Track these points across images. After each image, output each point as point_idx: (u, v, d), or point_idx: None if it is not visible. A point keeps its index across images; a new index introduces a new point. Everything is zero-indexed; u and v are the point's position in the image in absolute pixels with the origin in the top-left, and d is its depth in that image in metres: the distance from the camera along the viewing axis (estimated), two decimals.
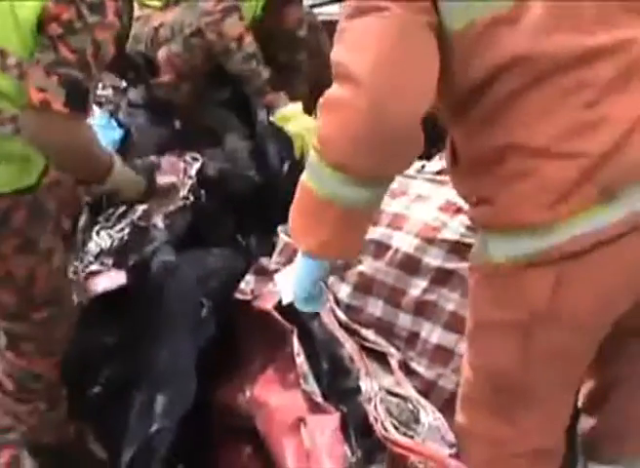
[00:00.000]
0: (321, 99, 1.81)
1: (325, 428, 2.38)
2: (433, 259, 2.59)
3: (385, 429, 2.27)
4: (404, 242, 2.65)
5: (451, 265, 2.56)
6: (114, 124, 3.50)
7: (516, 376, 2.01)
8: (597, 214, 1.80)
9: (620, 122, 1.78)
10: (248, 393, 2.69)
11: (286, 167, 3.29)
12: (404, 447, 2.24)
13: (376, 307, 2.67)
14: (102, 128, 3.47)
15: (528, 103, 1.82)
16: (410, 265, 2.62)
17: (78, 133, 2.42)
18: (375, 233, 2.68)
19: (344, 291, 2.71)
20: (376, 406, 2.36)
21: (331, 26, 3.76)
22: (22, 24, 2.26)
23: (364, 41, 1.75)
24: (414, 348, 2.59)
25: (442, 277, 2.57)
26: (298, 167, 3.19)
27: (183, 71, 3.44)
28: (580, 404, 2.38)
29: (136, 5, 3.44)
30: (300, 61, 3.60)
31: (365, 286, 2.68)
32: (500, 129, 1.84)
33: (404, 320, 2.62)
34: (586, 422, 2.38)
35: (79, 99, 2.30)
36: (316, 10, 4.08)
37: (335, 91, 1.77)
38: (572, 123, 1.80)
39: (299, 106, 3.33)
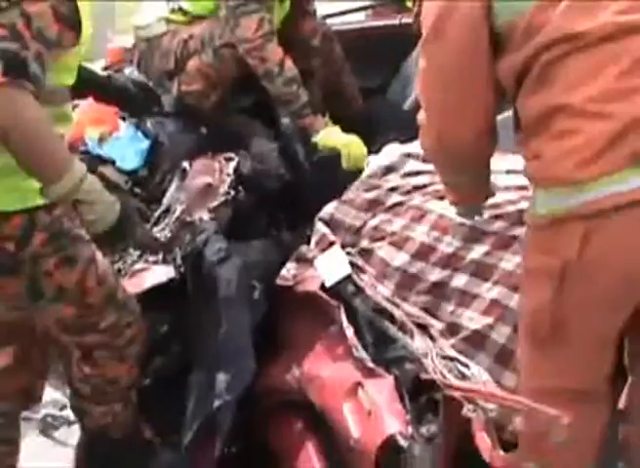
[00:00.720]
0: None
1: (382, 389, 2.56)
2: (495, 227, 2.80)
3: (444, 376, 2.46)
4: None
5: (512, 232, 2.76)
6: (140, 135, 3.66)
7: (551, 316, 2.20)
8: (628, 176, 2.02)
9: None
10: (297, 372, 2.86)
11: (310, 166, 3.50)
12: (464, 389, 2.44)
13: (432, 273, 2.83)
14: (130, 140, 3.65)
15: (569, 70, 2.08)
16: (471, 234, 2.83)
17: (25, 103, 2.27)
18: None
19: (402, 258, 2.88)
20: (432, 358, 2.55)
21: (343, 36, 4.03)
22: None
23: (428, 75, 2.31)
24: (467, 306, 2.78)
25: (503, 242, 2.77)
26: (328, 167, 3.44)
27: (213, 80, 3.60)
28: (621, 407, 2.55)
29: (162, 21, 3.66)
30: (314, 68, 3.77)
31: (423, 253, 2.86)
32: (547, 93, 2.10)
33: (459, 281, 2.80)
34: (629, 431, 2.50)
35: (17, 68, 2.23)
36: (329, 20, 4.27)
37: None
38: (607, 88, 2.04)
39: (337, 128, 3.53)
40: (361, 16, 4.92)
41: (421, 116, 2.34)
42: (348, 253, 2.96)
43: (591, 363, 2.31)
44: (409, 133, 3.35)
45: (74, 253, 2.65)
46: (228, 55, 3.55)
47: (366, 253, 2.95)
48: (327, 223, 3.10)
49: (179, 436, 2.92)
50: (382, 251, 2.91)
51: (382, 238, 2.95)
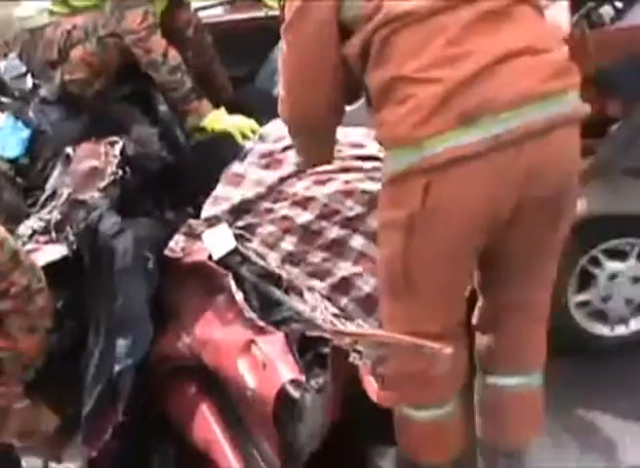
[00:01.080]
0: None
1: (274, 344, 2.77)
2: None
3: (335, 325, 2.71)
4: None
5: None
6: (21, 124, 3.75)
7: (402, 265, 2.50)
8: (460, 134, 2.30)
9: (481, 57, 2.31)
10: (187, 339, 3.04)
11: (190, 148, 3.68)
12: (354, 333, 2.72)
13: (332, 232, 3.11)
14: (10, 129, 3.75)
15: (401, 44, 2.39)
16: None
17: None
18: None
19: (290, 241, 3.13)
20: (322, 311, 2.79)
21: (212, 27, 4.21)
22: None
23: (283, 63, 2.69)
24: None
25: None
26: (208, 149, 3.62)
27: (97, 69, 3.71)
28: (474, 322, 2.89)
29: (44, 13, 3.77)
30: (187, 58, 3.88)
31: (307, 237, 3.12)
32: (385, 67, 2.42)
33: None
34: (481, 340, 2.87)
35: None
36: (201, 13, 4.44)
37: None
38: (436, 56, 2.34)
39: (222, 110, 3.70)
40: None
41: (281, 91, 2.68)
42: (236, 226, 3.18)
43: (442, 310, 2.62)
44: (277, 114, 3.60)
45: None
46: (112, 44, 3.67)
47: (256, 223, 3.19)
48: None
49: (74, 409, 3.06)
50: (286, 209, 3.15)
51: (285, 199, 3.18)
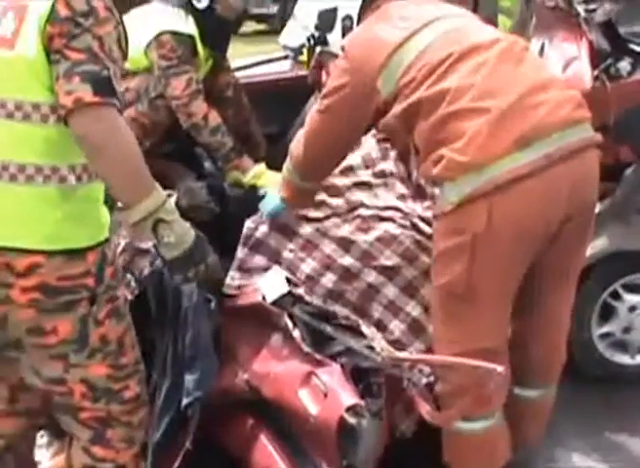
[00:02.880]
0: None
1: (332, 374, 3.02)
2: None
3: (392, 352, 2.96)
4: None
5: None
6: None
7: (465, 287, 2.79)
8: (516, 156, 2.65)
9: (516, 88, 2.71)
10: (244, 375, 3.28)
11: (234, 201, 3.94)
12: (412, 359, 3.02)
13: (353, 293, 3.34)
14: None
15: (447, 85, 2.75)
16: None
17: (116, 120, 2.39)
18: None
19: (330, 279, 3.36)
20: (379, 341, 3.04)
21: (249, 86, 4.48)
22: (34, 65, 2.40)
23: (309, 132, 3.20)
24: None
25: None
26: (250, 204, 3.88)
27: (148, 128, 3.99)
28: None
29: None
30: (227, 117, 4.16)
31: (347, 276, 3.36)
32: (436, 109, 2.76)
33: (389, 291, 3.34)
34: (511, 357, 3.10)
35: (105, 87, 2.34)
36: (238, 73, 4.69)
37: (301, 134, 3.23)
38: (480, 90, 2.72)
39: (262, 166, 3.96)
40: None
41: (302, 142, 3.16)
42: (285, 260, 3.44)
43: (500, 320, 2.92)
44: None
45: (123, 306, 2.74)
46: (162, 105, 3.95)
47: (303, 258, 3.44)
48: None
49: None
50: (329, 248, 3.41)
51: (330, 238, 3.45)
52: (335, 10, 3.16)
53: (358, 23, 3.14)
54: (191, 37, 3.94)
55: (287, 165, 3.28)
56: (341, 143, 3.12)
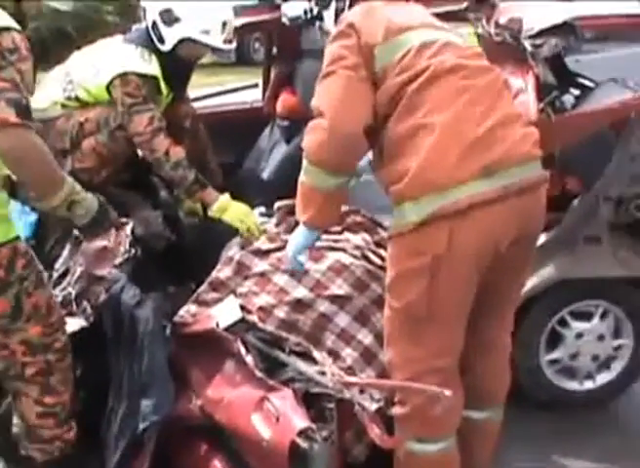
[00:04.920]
0: (307, 127, 2.93)
1: (285, 398, 3.09)
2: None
3: (342, 377, 3.03)
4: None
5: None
6: (27, 209, 4.01)
7: (426, 307, 2.87)
8: (479, 184, 2.78)
9: (490, 118, 2.83)
10: (198, 400, 3.33)
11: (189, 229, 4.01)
12: (362, 383, 3.11)
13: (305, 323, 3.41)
14: (18, 213, 4.01)
15: (429, 96, 2.85)
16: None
17: (33, 138, 2.82)
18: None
19: (282, 309, 3.42)
20: (330, 366, 3.11)
21: (206, 117, 4.55)
22: None
23: (327, 91, 2.90)
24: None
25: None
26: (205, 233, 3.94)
27: (106, 158, 4.04)
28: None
29: (57, 105, 4.10)
30: (185, 147, 4.14)
31: (299, 307, 3.43)
32: (412, 114, 2.85)
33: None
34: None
35: (25, 112, 2.78)
36: (195, 104, 4.77)
37: (313, 121, 2.91)
38: (460, 112, 2.83)
39: (226, 196, 3.97)
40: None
41: (313, 122, 2.95)
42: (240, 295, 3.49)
43: (457, 339, 3.00)
44: (268, 200, 3.95)
45: (43, 275, 3.14)
46: (122, 136, 4.00)
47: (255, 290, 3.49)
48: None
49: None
50: (282, 280, 3.47)
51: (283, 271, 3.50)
52: None
53: (350, 6, 3.22)
54: (155, 78, 4.01)
55: (304, 171, 3.01)
56: (360, 101, 2.92)
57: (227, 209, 3.91)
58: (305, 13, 3.54)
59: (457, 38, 3.07)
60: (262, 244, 3.66)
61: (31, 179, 2.94)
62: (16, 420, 3.30)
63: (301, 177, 3.01)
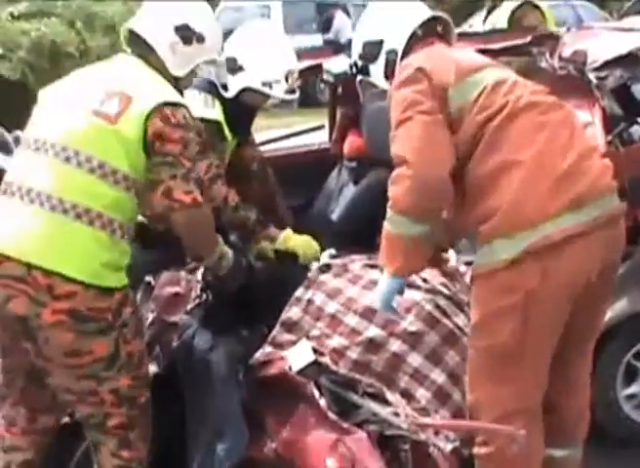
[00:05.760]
0: (390, 179, 2.93)
1: (359, 442, 3.08)
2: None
3: (416, 418, 3.00)
4: None
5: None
6: None
7: (515, 348, 2.86)
8: (570, 217, 2.79)
9: (571, 152, 2.85)
10: (272, 443, 3.31)
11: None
12: (438, 424, 3.06)
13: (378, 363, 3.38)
14: None
15: (513, 132, 2.88)
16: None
17: (209, 214, 3.22)
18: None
19: (355, 351, 3.40)
20: (404, 407, 3.09)
21: (273, 160, 4.59)
22: (129, 144, 2.99)
23: (407, 138, 2.90)
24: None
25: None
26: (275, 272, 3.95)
27: None
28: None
29: None
30: (252, 190, 4.28)
31: (372, 347, 3.40)
32: (497, 151, 2.87)
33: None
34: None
35: (202, 193, 3.12)
36: (263, 147, 4.81)
37: (395, 171, 2.90)
38: (543, 147, 2.85)
39: (288, 230, 4.02)
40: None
41: (397, 172, 2.90)
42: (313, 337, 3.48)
43: (544, 376, 2.97)
44: (339, 241, 3.96)
45: (142, 327, 3.28)
46: None
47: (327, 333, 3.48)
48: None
49: None
50: (353, 321, 3.46)
51: (354, 310, 3.50)
52: (381, 42, 3.25)
53: (403, 58, 3.20)
54: (218, 122, 4.04)
55: (390, 221, 2.96)
56: (442, 145, 2.91)
57: (291, 239, 3.97)
58: (351, 67, 3.54)
59: (519, 77, 3.09)
60: (331, 279, 3.66)
61: (201, 246, 3.30)
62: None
63: (387, 227, 2.99)
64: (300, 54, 4.42)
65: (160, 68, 3.24)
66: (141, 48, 3.27)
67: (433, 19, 3.29)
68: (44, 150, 3.04)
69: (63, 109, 3.11)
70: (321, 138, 5.45)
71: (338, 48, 3.80)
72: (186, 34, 3.29)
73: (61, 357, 2.98)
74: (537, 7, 5.93)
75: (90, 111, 3.03)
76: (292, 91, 4.07)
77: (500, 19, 5.93)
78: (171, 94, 3.14)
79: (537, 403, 2.99)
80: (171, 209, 3.06)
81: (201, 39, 3.34)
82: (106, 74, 3.22)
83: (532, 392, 2.96)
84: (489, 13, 6.57)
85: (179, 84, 3.29)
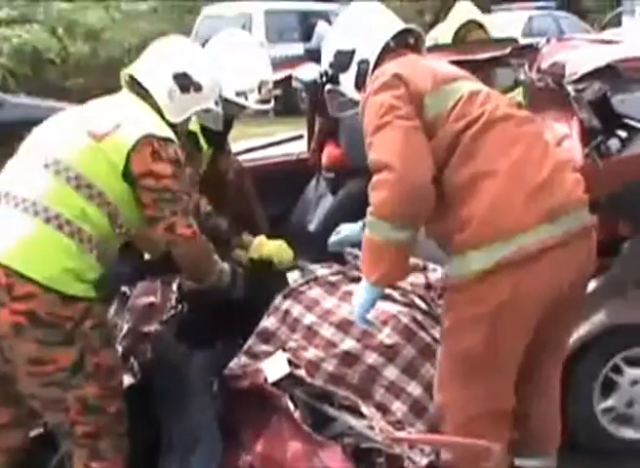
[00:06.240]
0: (370, 184, 2.86)
1: (333, 456, 3.08)
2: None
3: (392, 433, 2.99)
4: None
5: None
6: None
7: (485, 355, 2.86)
8: (544, 229, 2.78)
9: (547, 164, 2.85)
10: (247, 456, 3.29)
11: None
12: (412, 439, 3.04)
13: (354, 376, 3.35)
14: None
15: (489, 142, 2.87)
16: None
17: (207, 244, 3.33)
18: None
19: (331, 363, 3.37)
20: (378, 421, 3.07)
21: (251, 169, 4.57)
22: (110, 165, 3.04)
23: (387, 143, 2.85)
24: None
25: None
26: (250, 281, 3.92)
27: None
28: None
29: None
30: (227, 199, 4.24)
31: (348, 360, 3.37)
32: (473, 160, 2.85)
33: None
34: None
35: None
36: (241, 156, 4.81)
37: (376, 177, 2.84)
38: (520, 158, 2.85)
39: (262, 237, 4.01)
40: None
41: (379, 177, 2.83)
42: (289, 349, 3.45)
43: (510, 383, 2.97)
44: (316, 251, 3.93)
45: (111, 338, 3.23)
46: None
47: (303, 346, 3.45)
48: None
49: None
50: (329, 332, 3.44)
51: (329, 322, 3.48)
52: (353, 52, 3.23)
53: (374, 69, 3.17)
54: (193, 133, 3.99)
55: (372, 228, 2.88)
56: (423, 150, 2.86)
57: (265, 245, 3.95)
58: (321, 76, 3.51)
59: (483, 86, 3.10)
60: (309, 291, 3.64)
61: (202, 272, 3.40)
62: None
63: (369, 235, 2.90)
64: (280, 63, 4.41)
65: (157, 113, 3.28)
66: (140, 93, 3.31)
67: (406, 32, 3.27)
68: (28, 155, 3.14)
69: (61, 126, 3.21)
70: (301, 148, 5.42)
71: (319, 57, 3.77)
72: (184, 82, 3.35)
73: (25, 364, 2.98)
74: (481, 26, 5.87)
75: (84, 131, 3.10)
76: (266, 101, 4.05)
77: (442, 34, 5.84)
78: (163, 129, 3.18)
79: (503, 408, 2.97)
80: (174, 243, 3.19)
81: (198, 88, 3.40)
82: (109, 103, 3.31)
83: (499, 396, 2.95)
84: (430, 27, 6.53)
85: (175, 130, 3.29)
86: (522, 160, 2.83)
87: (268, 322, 3.58)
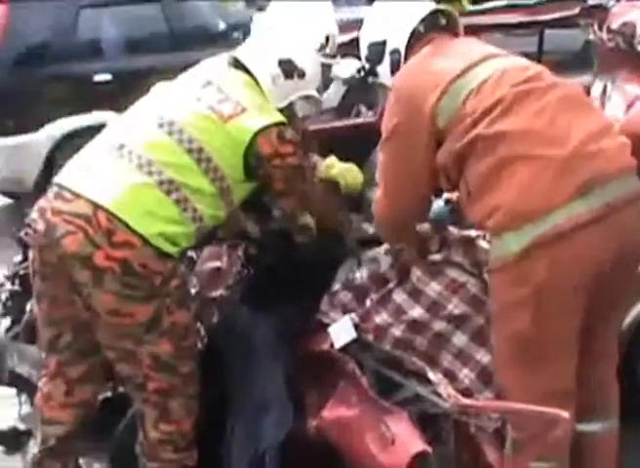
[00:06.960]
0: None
1: (399, 422, 3.07)
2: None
3: (458, 399, 2.97)
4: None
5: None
6: None
7: (536, 337, 2.82)
8: (578, 204, 2.71)
9: (576, 135, 2.77)
10: (314, 421, 3.30)
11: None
12: (479, 406, 3.04)
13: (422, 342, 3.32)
14: None
15: (506, 127, 2.82)
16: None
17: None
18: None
19: (399, 328, 3.34)
20: (445, 386, 3.05)
21: (316, 133, 4.52)
22: (232, 144, 3.21)
23: (385, 166, 3.19)
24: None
25: None
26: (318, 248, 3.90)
27: None
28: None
29: None
30: None
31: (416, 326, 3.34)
32: (494, 150, 2.81)
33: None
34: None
35: None
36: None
37: (377, 192, 3.24)
38: (542, 136, 2.79)
39: (332, 158, 3.98)
40: None
41: (378, 193, 3.11)
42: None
43: (570, 361, 2.93)
44: None
45: (188, 300, 3.33)
46: None
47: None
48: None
49: None
50: (400, 298, 3.40)
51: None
52: (384, 43, 3.21)
53: (406, 58, 3.19)
54: None
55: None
56: (415, 175, 3.04)
57: (334, 166, 3.92)
58: (359, 71, 3.49)
59: (513, 60, 3.07)
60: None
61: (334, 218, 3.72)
62: (140, 437, 3.32)
63: None
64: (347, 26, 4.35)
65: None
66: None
67: (435, 13, 3.24)
68: (146, 109, 3.34)
69: (183, 93, 3.36)
70: None
71: None
72: (288, 68, 3.43)
73: (104, 314, 3.07)
74: None
75: (207, 105, 3.25)
76: (332, 56, 3.99)
77: None
78: (278, 116, 3.33)
79: (568, 386, 2.92)
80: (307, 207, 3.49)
81: (302, 74, 3.46)
82: (222, 80, 3.39)
83: (559, 377, 2.90)
84: None
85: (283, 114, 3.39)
86: (545, 136, 2.78)
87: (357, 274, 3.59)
